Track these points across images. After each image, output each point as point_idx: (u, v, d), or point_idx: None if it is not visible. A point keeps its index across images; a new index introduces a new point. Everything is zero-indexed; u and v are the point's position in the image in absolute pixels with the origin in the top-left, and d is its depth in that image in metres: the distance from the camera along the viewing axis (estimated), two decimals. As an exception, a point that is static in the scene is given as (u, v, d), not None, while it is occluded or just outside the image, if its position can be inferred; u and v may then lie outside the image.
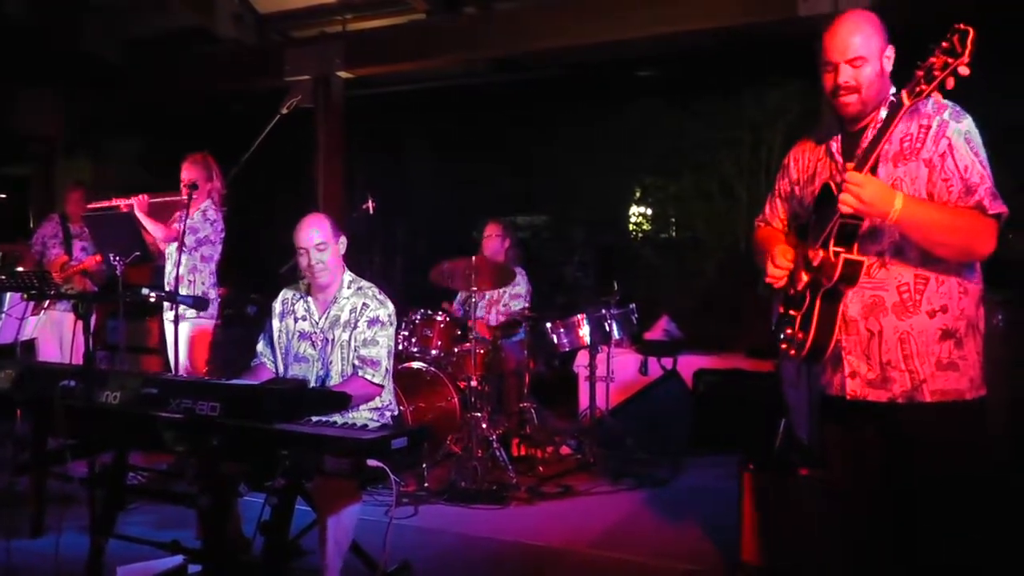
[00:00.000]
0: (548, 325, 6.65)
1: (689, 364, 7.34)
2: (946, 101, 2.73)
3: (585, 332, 6.60)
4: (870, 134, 2.77)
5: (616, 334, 6.65)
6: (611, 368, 6.94)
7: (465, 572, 4.51)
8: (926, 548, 2.83)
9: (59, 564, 3.55)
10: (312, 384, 4.07)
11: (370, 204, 6.61)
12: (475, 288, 6.18)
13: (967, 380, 2.78)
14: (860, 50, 2.78)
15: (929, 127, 2.75)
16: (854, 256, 2.74)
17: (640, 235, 11.16)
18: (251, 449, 3.08)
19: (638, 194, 11.06)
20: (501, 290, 6.98)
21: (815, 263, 2.82)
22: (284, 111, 7.87)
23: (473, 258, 6.14)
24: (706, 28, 7.31)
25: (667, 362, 7.33)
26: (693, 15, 7.18)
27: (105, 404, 3.33)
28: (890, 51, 2.83)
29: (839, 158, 2.93)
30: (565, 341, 6.65)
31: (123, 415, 3.31)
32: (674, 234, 10.97)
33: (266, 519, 3.13)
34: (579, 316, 6.62)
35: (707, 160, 9.85)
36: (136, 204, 5.88)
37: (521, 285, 7.05)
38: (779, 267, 3.00)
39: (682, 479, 6.20)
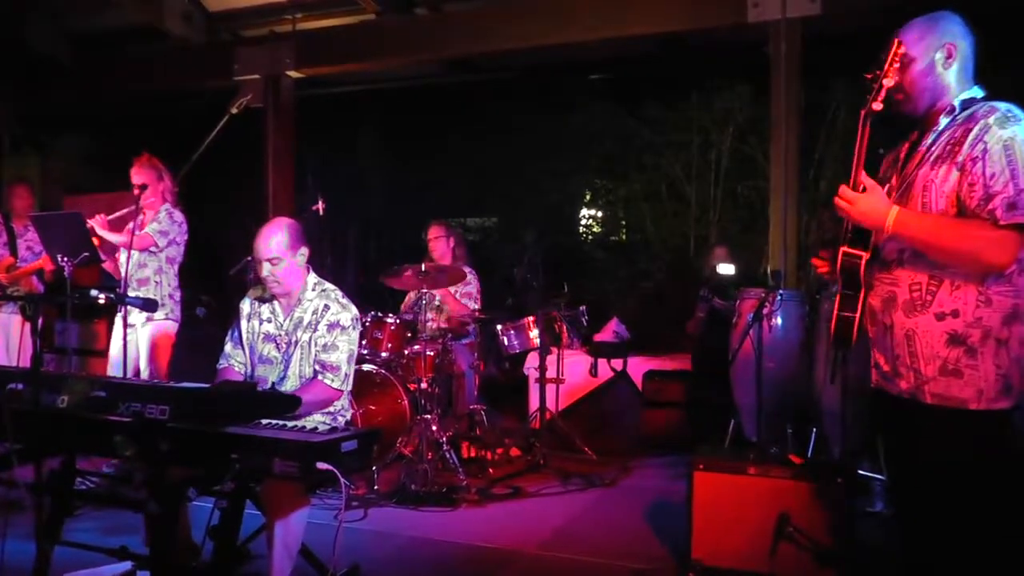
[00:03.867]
0: (498, 327, 6.67)
1: (639, 365, 7.42)
2: (1000, 105, 2.70)
3: (535, 334, 6.63)
4: (929, 138, 2.80)
5: (566, 336, 6.69)
6: (561, 370, 6.99)
7: (415, 575, 4.51)
8: (915, 544, 2.84)
9: (4, 571, 3.50)
10: (276, 387, 4.05)
11: (320, 205, 6.57)
12: (425, 289, 6.19)
13: (973, 390, 2.66)
14: (905, 49, 2.78)
15: (971, 130, 2.68)
16: (851, 251, 2.82)
17: (590, 237, 11.24)
18: (200, 453, 3.04)
19: (588, 196, 11.14)
20: (452, 289, 6.97)
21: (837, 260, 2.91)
22: (234, 111, 7.82)
23: (423, 264, 6.14)
24: (657, 32, 7.38)
25: (617, 363, 7.40)
26: (644, 19, 7.24)
27: (53, 408, 3.28)
28: (945, 49, 2.77)
29: (902, 159, 2.92)
30: (515, 343, 6.68)
31: (71, 419, 3.26)
32: (624, 236, 11.07)
33: (215, 524, 3.12)
34: (529, 318, 6.66)
35: (656, 163, 9.94)
36: (97, 224, 5.78)
37: (472, 284, 7.04)
38: (815, 260, 3.09)
39: (631, 479, 6.26)
